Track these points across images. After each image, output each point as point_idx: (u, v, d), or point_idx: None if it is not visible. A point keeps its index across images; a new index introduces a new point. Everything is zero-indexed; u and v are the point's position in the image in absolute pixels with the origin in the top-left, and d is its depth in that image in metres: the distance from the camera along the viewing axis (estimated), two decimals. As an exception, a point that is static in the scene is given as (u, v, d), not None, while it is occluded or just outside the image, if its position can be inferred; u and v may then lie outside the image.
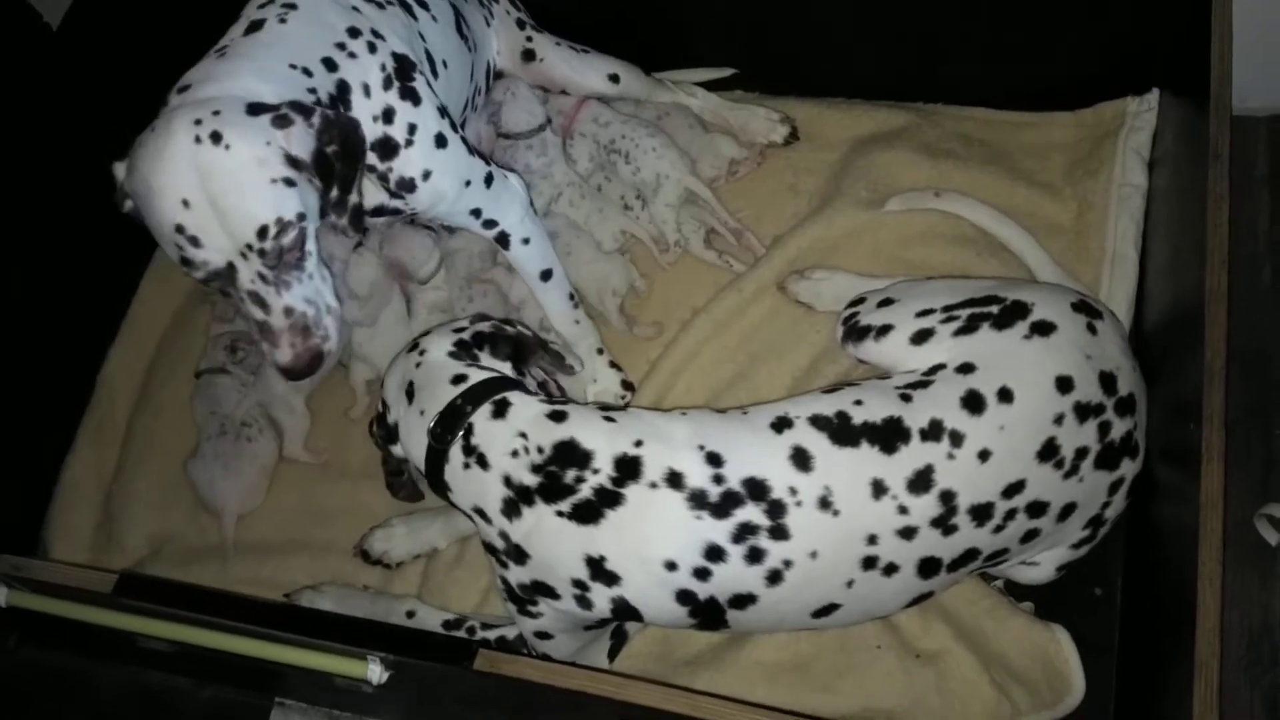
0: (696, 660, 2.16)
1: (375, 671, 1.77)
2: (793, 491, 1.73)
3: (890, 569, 1.77)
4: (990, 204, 2.41)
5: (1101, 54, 2.50)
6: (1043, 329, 1.85)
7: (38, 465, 2.62)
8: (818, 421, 1.79)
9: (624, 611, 1.81)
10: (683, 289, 2.52)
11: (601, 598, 1.79)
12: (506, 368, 1.98)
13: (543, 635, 1.94)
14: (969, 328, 1.88)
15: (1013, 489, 1.77)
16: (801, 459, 1.75)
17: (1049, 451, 1.78)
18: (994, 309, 1.89)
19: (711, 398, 2.37)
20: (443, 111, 2.02)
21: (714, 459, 1.76)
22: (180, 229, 1.66)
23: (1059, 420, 1.79)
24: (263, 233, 1.69)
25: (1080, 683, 2.00)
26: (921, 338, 1.92)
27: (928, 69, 2.65)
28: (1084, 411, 1.80)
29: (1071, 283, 2.23)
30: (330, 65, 1.86)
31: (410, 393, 1.93)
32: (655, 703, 1.62)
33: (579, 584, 1.78)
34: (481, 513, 1.85)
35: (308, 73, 1.83)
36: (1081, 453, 1.80)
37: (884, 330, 1.98)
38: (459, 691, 1.94)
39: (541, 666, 1.69)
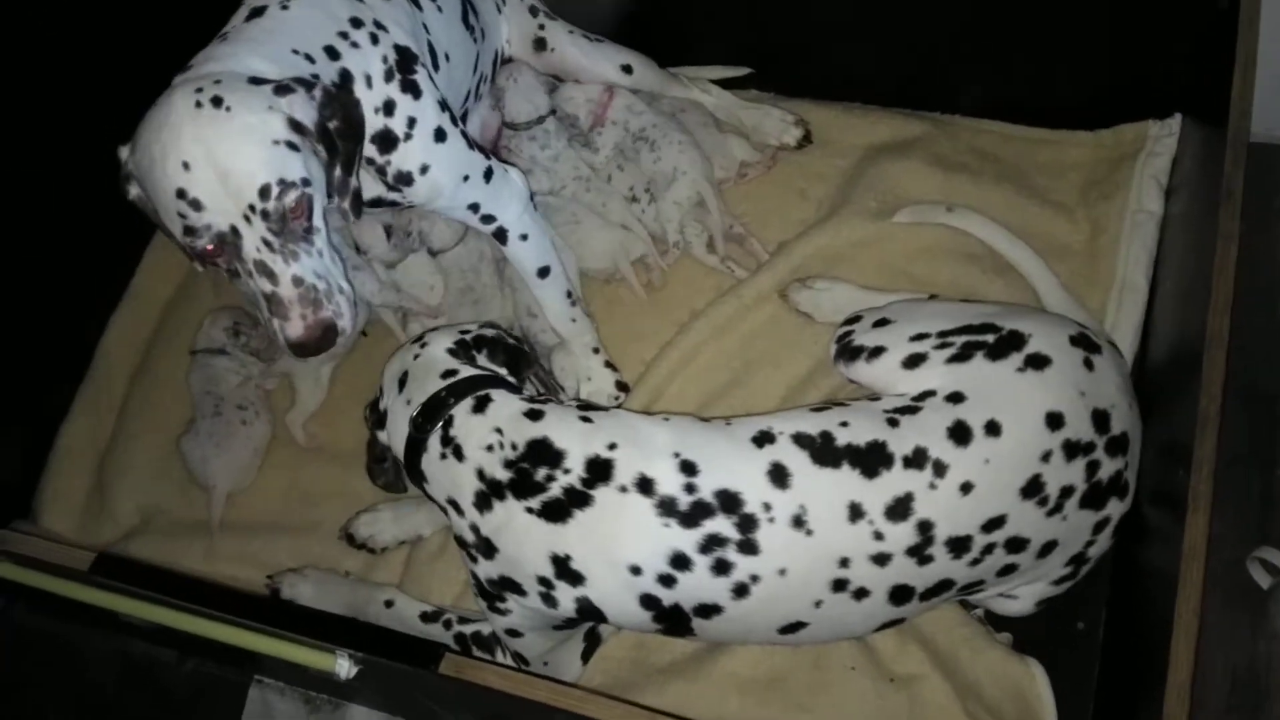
0: (670, 669, 2.15)
1: (344, 667, 1.77)
2: (766, 507, 1.72)
3: (861, 593, 1.76)
4: (1001, 222, 2.37)
5: (1124, 74, 2.46)
6: (1037, 362, 1.81)
7: (34, 431, 2.63)
8: (800, 439, 1.78)
9: (589, 612, 1.81)
10: (683, 291, 2.49)
11: (566, 597, 1.79)
12: (503, 372, 2.00)
13: (513, 633, 1.95)
14: (963, 356, 1.85)
15: (993, 524, 1.75)
16: (779, 475, 1.74)
17: (1033, 489, 1.76)
18: (989, 338, 1.86)
19: (704, 403, 2.35)
20: (443, 105, 2.00)
21: (688, 467, 1.76)
22: (182, 193, 1.64)
23: (1046, 457, 1.76)
24: (265, 192, 1.66)
25: (1052, 718, 1.98)
26: (914, 362, 1.89)
27: (945, 79, 2.61)
28: (1073, 450, 1.77)
29: (1079, 309, 2.19)
30: (332, 54, 1.86)
31: (402, 382, 1.96)
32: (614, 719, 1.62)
33: (544, 582, 1.79)
34: (455, 504, 1.86)
35: (310, 59, 1.82)
36: (1067, 491, 1.78)
37: (876, 352, 1.95)
38: (428, 690, 1.95)
39: (506, 675, 1.68)
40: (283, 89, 1.69)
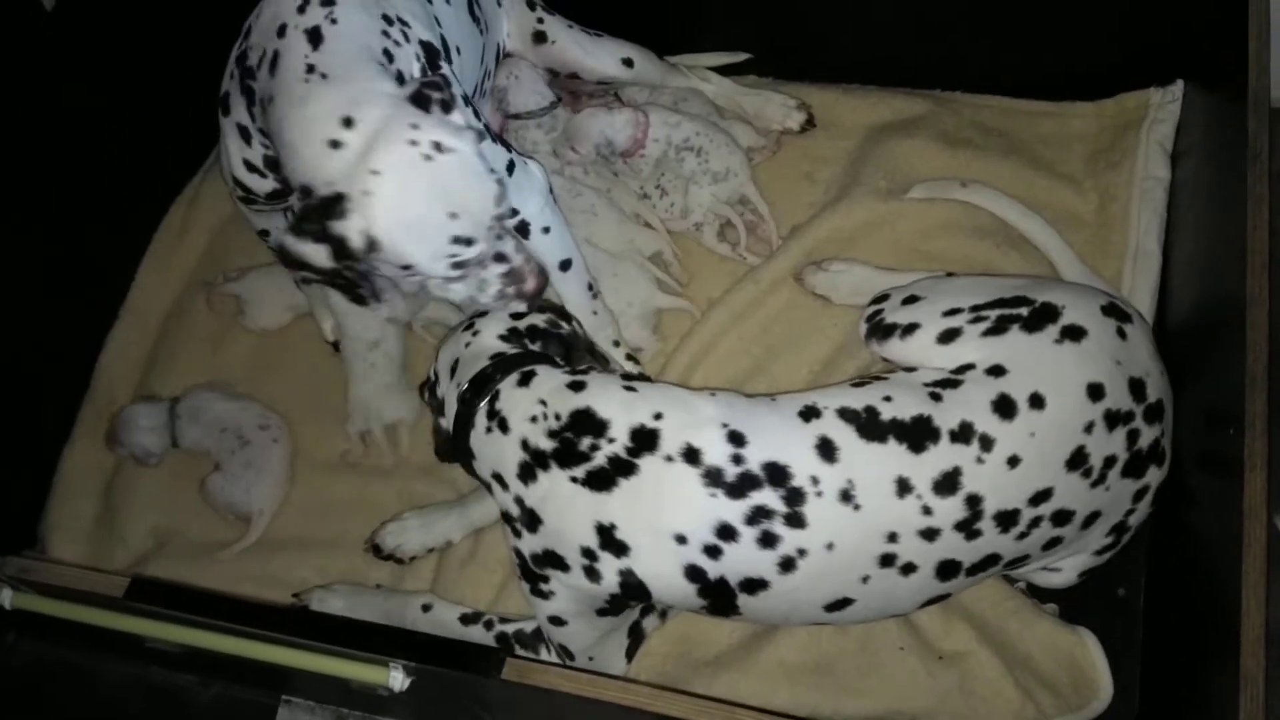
0: (717, 661, 2.13)
1: (397, 679, 1.74)
2: (814, 481, 1.72)
3: (908, 569, 1.76)
4: (1011, 195, 2.38)
5: (1123, 43, 2.48)
6: (1074, 334, 1.82)
7: (35, 457, 2.54)
8: (846, 414, 1.78)
9: (632, 588, 1.80)
10: (698, 280, 2.48)
11: (610, 569, 1.78)
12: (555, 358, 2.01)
13: (557, 621, 1.93)
14: (998, 329, 1.85)
15: (1040, 497, 1.75)
16: (827, 449, 1.74)
17: (1078, 460, 1.76)
18: (1023, 311, 1.87)
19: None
20: (465, 99, 1.96)
21: (736, 438, 1.75)
22: (456, 239, 1.74)
23: (1089, 429, 1.77)
24: (499, 200, 1.77)
25: (1108, 686, 1.99)
26: (949, 337, 1.89)
27: (945, 55, 2.62)
28: (1114, 420, 1.78)
29: (1096, 279, 2.21)
30: (389, 57, 1.85)
31: (454, 369, 1.98)
32: (688, 714, 1.59)
33: (588, 553, 1.78)
34: (500, 478, 1.86)
35: (383, 65, 1.83)
36: (1109, 461, 1.78)
37: (910, 329, 1.95)
38: (480, 696, 1.91)
39: (571, 677, 1.66)
40: (444, 104, 1.75)
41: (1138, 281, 2.31)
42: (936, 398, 1.79)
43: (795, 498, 1.71)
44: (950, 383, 1.82)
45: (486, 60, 2.31)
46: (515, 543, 1.88)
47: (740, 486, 1.72)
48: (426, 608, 2.16)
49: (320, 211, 1.69)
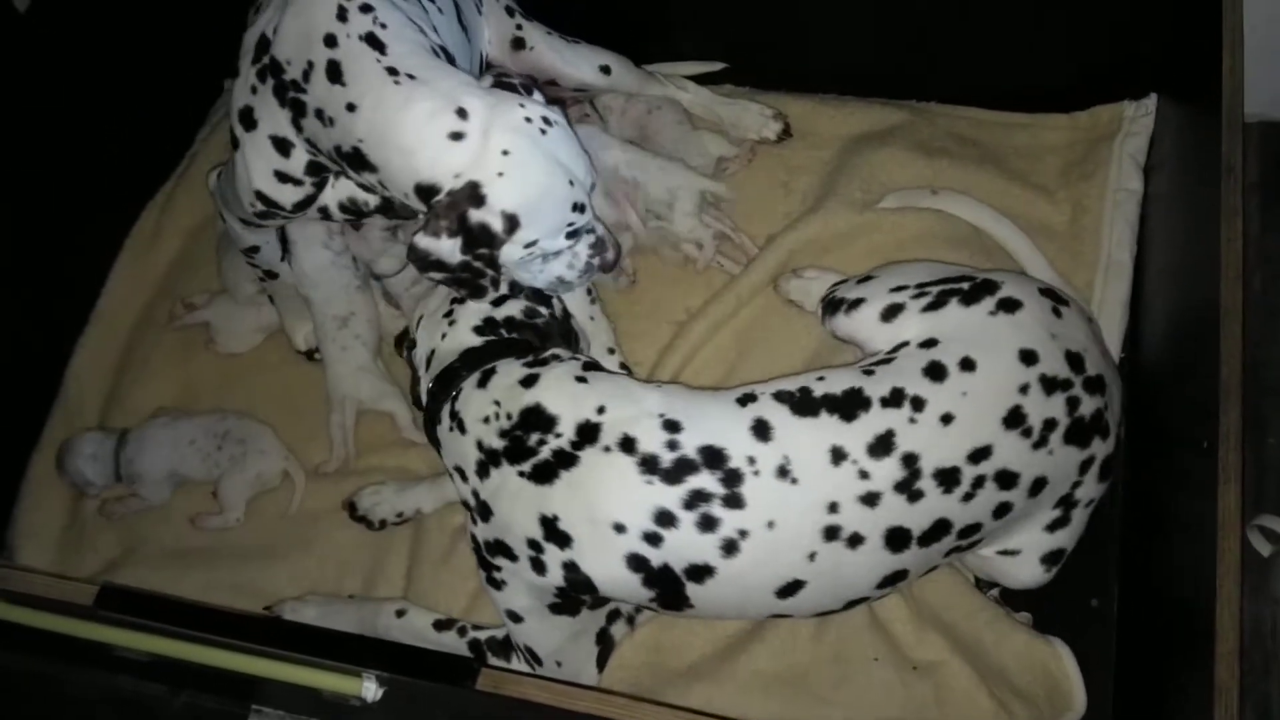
0: (691, 672, 2.13)
1: (370, 689, 1.72)
2: (750, 461, 1.74)
3: (855, 540, 1.74)
4: (986, 204, 2.39)
5: (1097, 57, 2.50)
6: (1009, 305, 1.86)
7: (4, 464, 2.52)
8: (780, 395, 1.81)
9: (578, 583, 1.80)
10: (673, 290, 2.48)
11: (554, 561, 1.80)
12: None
13: (515, 617, 1.94)
14: (938, 303, 1.90)
15: (979, 454, 1.76)
16: (762, 430, 1.76)
17: (1015, 419, 1.77)
18: (964, 285, 1.91)
19: (704, 399, 2.33)
20: None
21: (672, 426, 1.77)
22: (575, 206, 1.84)
23: (1024, 390, 1.78)
24: (590, 165, 1.87)
25: (1081, 698, 1.99)
26: (892, 313, 1.94)
27: (921, 66, 2.63)
28: (1050, 384, 1.80)
29: (1065, 285, 2.22)
30: (434, 54, 1.89)
31: (429, 360, 2.01)
32: (666, 726, 1.59)
33: (534, 545, 1.80)
34: (461, 472, 1.91)
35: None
36: (1050, 424, 1.79)
37: (856, 303, 2.01)
38: (454, 707, 1.90)
39: (546, 687, 1.65)
40: (525, 88, 1.86)
41: (1109, 292, 2.33)
42: (869, 373, 1.83)
43: (733, 479, 1.73)
44: (884, 360, 1.86)
45: (473, 68, 2.31)
46: (472, 529, 1.92)
47: (676, 472, 1.74)
48: (400, 613, 2.16)
49: (457, 204, 1.74)
